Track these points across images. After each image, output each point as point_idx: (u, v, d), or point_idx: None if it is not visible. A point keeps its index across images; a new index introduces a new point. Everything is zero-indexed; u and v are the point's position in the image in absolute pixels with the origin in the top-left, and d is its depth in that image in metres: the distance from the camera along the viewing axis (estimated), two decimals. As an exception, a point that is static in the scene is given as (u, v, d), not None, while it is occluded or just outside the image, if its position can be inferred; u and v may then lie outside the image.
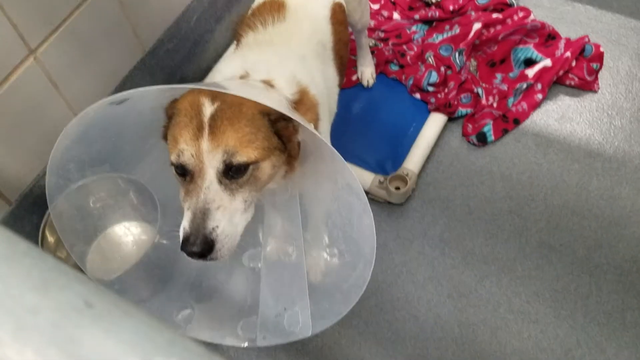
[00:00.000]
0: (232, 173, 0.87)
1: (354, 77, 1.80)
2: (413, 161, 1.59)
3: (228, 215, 0.86)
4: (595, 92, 1.73)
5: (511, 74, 1.74)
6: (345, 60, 1.37)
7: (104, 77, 1.47)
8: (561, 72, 1.71)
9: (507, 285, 1.44)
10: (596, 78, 1.74)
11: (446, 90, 1.71)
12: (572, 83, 1.74)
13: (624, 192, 1.56)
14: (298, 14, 1.23)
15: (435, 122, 1.68)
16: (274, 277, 1.19)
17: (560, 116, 1.70)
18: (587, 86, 1.73)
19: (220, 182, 0.86)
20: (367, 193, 1.57)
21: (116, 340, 0.25)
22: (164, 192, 1.63)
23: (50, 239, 1.36)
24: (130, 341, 0.25)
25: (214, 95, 0.90)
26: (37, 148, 1.37)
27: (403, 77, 1.78)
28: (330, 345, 1.39)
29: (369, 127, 1.71)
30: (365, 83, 1.78)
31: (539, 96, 1.70)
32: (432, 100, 1.70)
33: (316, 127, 1.07)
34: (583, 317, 1.40)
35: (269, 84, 1.02)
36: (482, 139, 1.66)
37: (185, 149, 0.86)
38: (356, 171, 1.58)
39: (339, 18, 1.33)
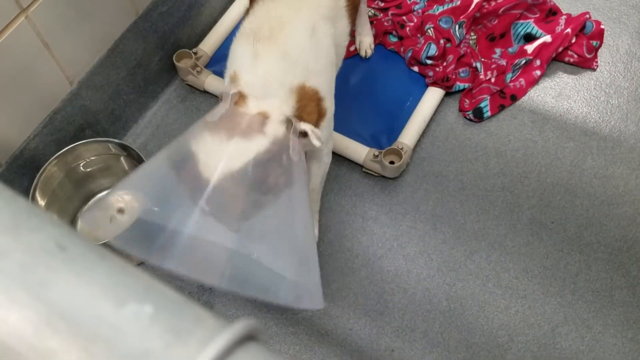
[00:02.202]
0: None
1: (352, 48, 1.77)
2: (408, 135, 1.58)
3: None
4: (594, 70, 1.72)
5: (510, 49, 1.72)
6: (357, 3, 1.29)
7: (96, 39, 1.44)
8: (560, 49, 1.69)
9: (496, 261, 1.45)
10: (595, 56, 1.72)
11: (445, 63, 1.69)
12: (571, 60, 1.72)
13: (618, 172, 1.55)
14: None
15: (432, 96, 1.66)
16: None
17: (557, 93, 1.69)
18: (586, 64, 1.71)
19: None
20: (361, 166, 1.57)
21: (88, 284, 0.24)
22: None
23: (41, 201, 1.35)
24: (104, 285, 0.24)
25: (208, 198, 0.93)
26: (28, 110, 1.35)
27: (402, 49, 1.76)
28: (319, 316, 1.40)
29: (365, 100, 1.69)
30: (363, 54, 1.76)
31: (537, 72, 1.69)
32: (430, 73, 1.68)
33: (320, 107, 1.05)
34: (571, 295, 1.41)
35: (263, 116, 0.98)
36: (478, 115, 1.65)
37: None
38: (351, 144, 1.57)
39: None
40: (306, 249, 1.02)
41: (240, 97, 1.00)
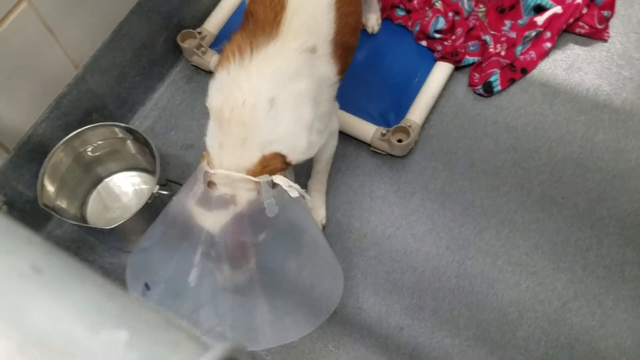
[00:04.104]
0: None
1: (358, 24, 1.74)
2: (417, 112, 1.56)
3: None
4: (606, 41, 1.68)
5: (520, 21, 1.68)
6: (353, 42, 1.21)
7: (99, 22, 1.43)
8: (571, 20, 1.65)
9: (506, 238, 1.44)
10: (607, 26, 1.68)
11: (453, 37, 1.66)
12: (582, 31, 1.68)
13: (630, 145, 1.53)
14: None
15: (441, 71, 1.64)
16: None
17: (568, 66, 1.66)
18: (597, 35, 1.67)
19: None
20: (368, 145, 1.56)
21: (63, 309, 0.24)
22: (162, 141, 1.62)
23: (50, 187, 1.36)
24: (79, 310, 0.24)
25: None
26: (34, 95, 1.35)
27: (409, 23, 1.73)
28: (328, 295, 1.40)
29: (372, 77, 1.67)
30: (370, 30, 1.73)
31: (548, 45, 1.65)
32: (439, 48, 1.66)
33: (285, 162, 1.08)
34: (582, 270, 1.40)
35: (232, 196, 1.06)
36: (488, 89, 1.62)
37: None
38: (358, 123, 1.55)
39: None
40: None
41: (211, 181, 1.06)
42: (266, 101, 1.02)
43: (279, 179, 1.05)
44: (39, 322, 0.23)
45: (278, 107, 1.03)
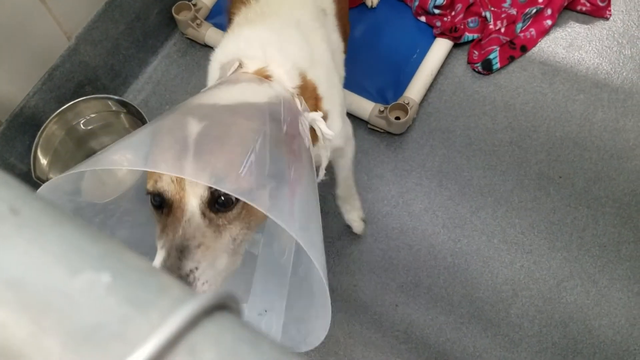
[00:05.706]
0: (218, 205, 0.70)
1: (357, -2, 1.72)
2: (415, 90, 1.54)
3: (211, 256, 0.68)
4: (607, 19, 1.66)
5: (521, -2, 1.66)
6: (347, 29, 1.23)
7: (92, -8, 1.40)
8: (573, -3, 1.63)
9: (502, 217, 1.43)
10: (608, 4, 1.65)
11: (453, 13, 1.63)
12: (584, 9, 1.66)
13: (629, 124, 1.52)
14: None
15: (440, 48, 1.62)
16: (266, 271, 1.01)
17: (568, 44, 1.63)
18: (598, 13, 1.65)
19: (204, 215, 0.69)
20: (366, 122, 1.54)
21: (41, 251, 0.22)
22: (157, 115, 1.60)
23: (43, 160, 1.34)
24: (57, 252, 0.22)
25: (203, 114, 0.73)
26: (26, 67, 1.33)
27: (408, -1, 1.70)
28: (323, 272, 1.40)
29: (371, 53, 1.65)
30: (369, 3, 1.70)
31: (548, 22, 1.63)
32: (438, 24, 1.63)
33: (320, 107, 0.94)
34: (578, 250, 1.39)
35: (263, 75, 0.87)
36: (487, 67, 1.60)
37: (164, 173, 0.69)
38: (356, 100, 1.53)
39: None
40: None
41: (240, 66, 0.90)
42: (294, 20, 0.97)
43: (317, 114, 0.88)
44: (14, 264, 0.22)
45: (304, 28, 0.97)
